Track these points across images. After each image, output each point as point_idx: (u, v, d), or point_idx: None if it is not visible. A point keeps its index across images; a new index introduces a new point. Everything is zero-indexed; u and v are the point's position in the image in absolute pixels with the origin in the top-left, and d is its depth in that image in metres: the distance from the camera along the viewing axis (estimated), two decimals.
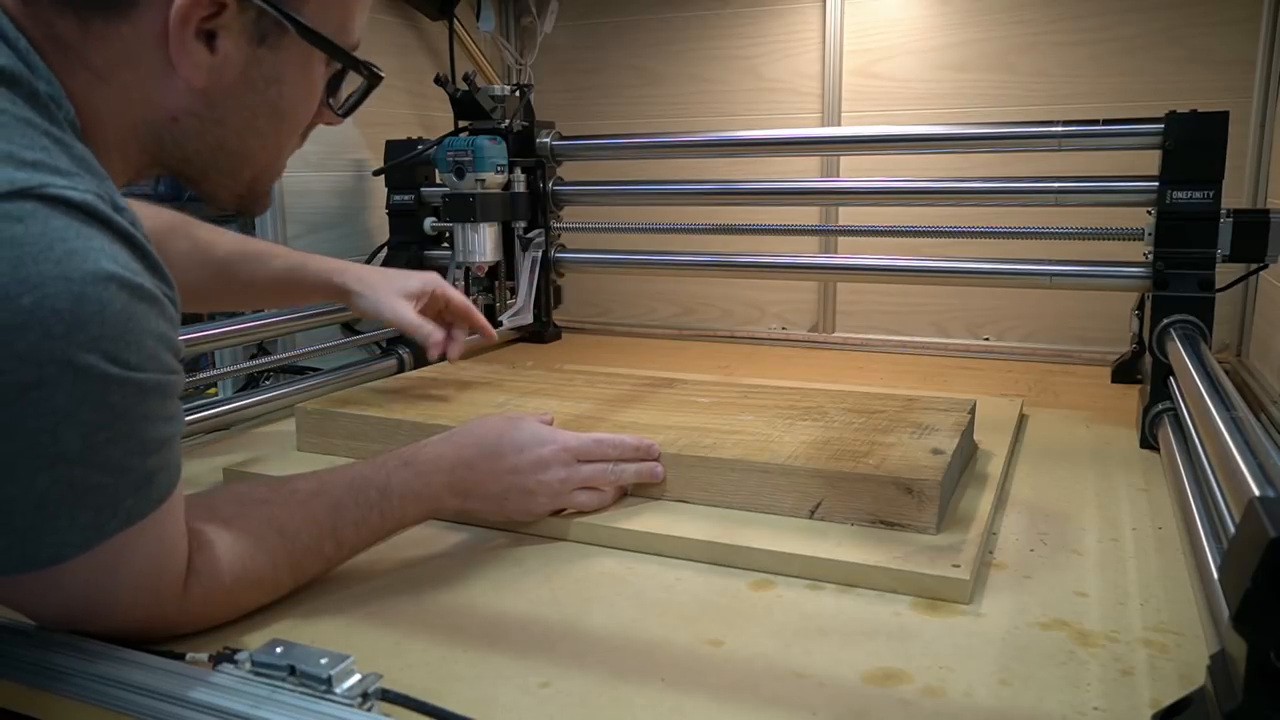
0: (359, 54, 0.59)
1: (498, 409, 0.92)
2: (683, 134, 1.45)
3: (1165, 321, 0.97)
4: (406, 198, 1.48)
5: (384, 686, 0.48)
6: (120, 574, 0.51)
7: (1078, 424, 1.06)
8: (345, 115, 0.62)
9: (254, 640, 0.51)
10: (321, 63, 0.57)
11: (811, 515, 0.74)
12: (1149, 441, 0.96)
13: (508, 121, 1.37)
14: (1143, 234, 1.09)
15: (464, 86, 1.35)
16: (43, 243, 0.44)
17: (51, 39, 0.50)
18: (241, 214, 0.60)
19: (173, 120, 0.54)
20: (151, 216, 0.81)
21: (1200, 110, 1.01)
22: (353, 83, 0.61)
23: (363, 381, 1.14)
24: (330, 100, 0.60)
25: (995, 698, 0.52)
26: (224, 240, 0.88)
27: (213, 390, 1.41)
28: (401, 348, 1.40)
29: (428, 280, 0.97)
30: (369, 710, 0.47)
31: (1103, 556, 0.71)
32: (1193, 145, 1.01)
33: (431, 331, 0.92)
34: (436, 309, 0.98)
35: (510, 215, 1.38)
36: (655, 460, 0.77)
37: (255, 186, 0.60)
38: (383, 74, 0.60)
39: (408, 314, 0.92)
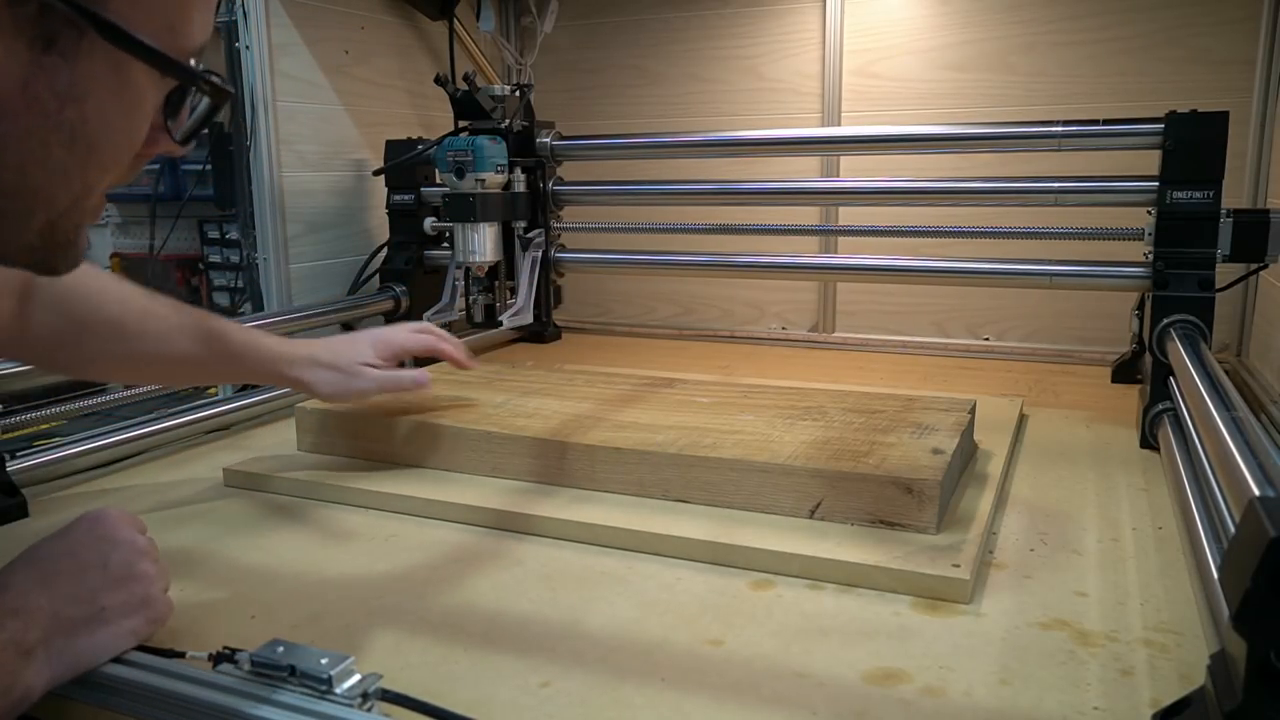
0: (197, 64, 0.44)
1: (497, 409, 0.92)
2: (683, 134, 1.45)
3: (1165, 321, 0.97)
4: (406, 198, 1.48)
5: (384, 686, 0.48)
6: None
7: (1078, 424, 1.06)
8: (185, 143, 0.47)
9: (254, 640, 0.51)
10: (147, 75, 0.42)
11: (811, 515, 0.74)
12: (1149, 441, 0.96)
13: (508, 121, 1.37)
14: (1143, 234, 1.09)
15: (464, 86, 1.35)
16: None
17: None
18: (40, 273, 0.47)
19: None
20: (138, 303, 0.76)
21: (1200, 110, 1.01)
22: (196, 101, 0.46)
23: None
24: (170, 122, 0.45)
25: (995, 698, 0.52)
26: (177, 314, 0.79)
27: (213, 390, 1.41)
28: None
29: (378, 338, 0.90)
30: (369, 710, 0.47)
31: (1103, 556, 0.71)
32: (1193, 145, 1.01)
33: (415, 376, 0.88)
34: (399, 358, 0.92)
35: (510, 215, 1.38)
36: None
37: (53, 235, 0.44)
38: (229, 87, 0.46)
39: (384, 377, 0.86)
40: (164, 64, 0.41)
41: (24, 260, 0.45)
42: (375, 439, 0.91)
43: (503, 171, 1.33)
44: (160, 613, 0.56)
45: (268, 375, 0.85)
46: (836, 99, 1.58)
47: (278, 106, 1.35)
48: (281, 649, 0.49)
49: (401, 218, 1.49)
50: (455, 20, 1.66)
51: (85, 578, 0.53)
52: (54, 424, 0.97)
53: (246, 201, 1.37)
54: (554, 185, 1.47)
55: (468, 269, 1.36)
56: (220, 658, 0.51)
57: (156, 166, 1.38)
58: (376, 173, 1.48)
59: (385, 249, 1.51)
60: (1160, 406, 0.95)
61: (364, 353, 0.88)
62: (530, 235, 1.41)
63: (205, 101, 0.46)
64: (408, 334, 0.92)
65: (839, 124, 1.58)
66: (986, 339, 1.55)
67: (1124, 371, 1.26)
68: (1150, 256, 1.05)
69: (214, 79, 0.44)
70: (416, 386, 0.88)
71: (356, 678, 0.48)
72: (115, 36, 0.39)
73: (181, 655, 0.53)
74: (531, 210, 1.43)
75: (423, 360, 0.99)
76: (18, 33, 0.37)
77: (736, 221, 1.47)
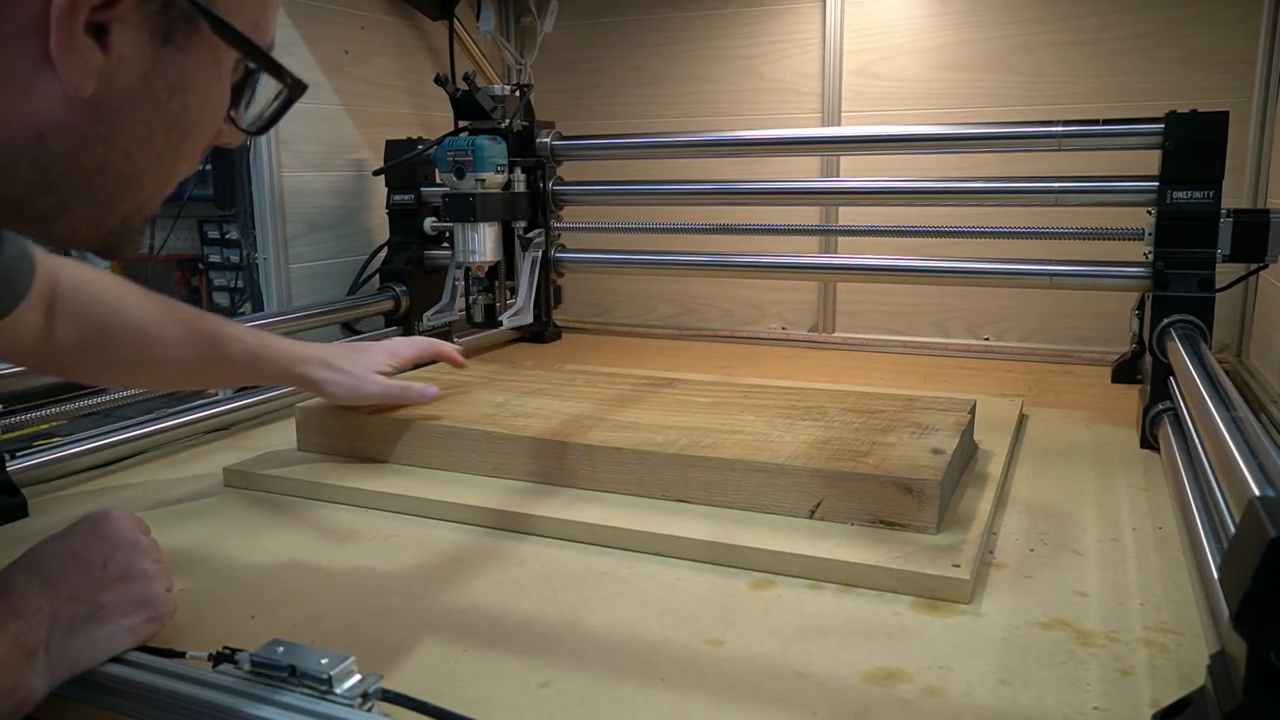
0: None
1: (497, 409, 0.92)
2: (683, 134, 1.45)
3: (1165, 321, 0.97)
4: (406, 198, 1.48)
5: (384, 686, 0.48)
6: None
7: (1078, 424, 1.06)
8: (259, 132, 0.50)
9: (254, 640, 0.51)
10: (231, 67, 0.46)
11: (811, 515, 0.74)
12: (1149, 441, 0.96)
13: (508, 121, 1.37)
14: (1143, 234, 1.09)
15: (464, 86, 1.35)
16: None
17: None
18: (105, 256, 0.50)
19: (39, 136, 0.40)
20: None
21: (1200, 110, 1.01)
22: (267, 93, 0.49)
23: None
24: (232, 112, 0.48)
25: (995, 698, 0.52)
26: (173, 316, 0.79)
27: (213, 390, 1.41)
28: None
29: (387, 348, 0.93)
30: (369, 710, 0.47)
31: (1103, 556, 0.71)
32: (1193, 145, 1.01)
33: (423, 390, 0.90)
34: (407, 366, 0.95)
35: (510, 215, 1.38)
36: None
37: (130, 222, 0.47)
38: (305, 84, 0.48)
39: (391, 385, 0.89)
40: (260, 58, 0.45)
41: (97, 245, 0.47)
42: (375, 439, 0.91)
43: (503, 171, 1.33)
44: (160, 612, 0.56)
45: (279, 374, 0.86)
46: (836, 99, 1.58)
47: None
48: (281, 649, 0.49)
49: (401, 218, 1.49)
50: (455, 20, 1.66)
51: (85, 577, 0.53)
52: (54, 424, 0.97)
53: (246, 201, 1.37)
54: (554, 185, 1.47)
55: (468, 269, 1.36)
56: (220, 658, 0.51)
57: None
58: (376, 173, 1.48)
59: (385, 249, 1.51)
60: (1160, 406, 0.95)
61: (375, 360, 0.90)
62: (530, 235, 1.41)
63: (283, 94, 0.48)
64: (411, 344, 0.96)
65: (839, 124, 1.58)
66: (986, 339, 1.55)
67: (1124, 371, 1.26)
68: (1150, 256, 1.05)
69: (293, 75, 0.47)
70: (422, 399, 0.90)
71: (356, 678, 0.48)
72: (223, 31, 0.42)
73: (181, 655, 0.53)
74: (531, 210, 1.43)
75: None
76: (142, 27, 0.40)
77: (736, 221, 1.47)
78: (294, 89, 0.48)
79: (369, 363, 0.90)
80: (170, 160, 0.46)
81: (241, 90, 0.48)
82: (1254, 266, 1.08)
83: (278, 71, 0.46)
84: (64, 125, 0.41)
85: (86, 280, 0.74)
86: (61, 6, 0.37)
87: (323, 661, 0.48)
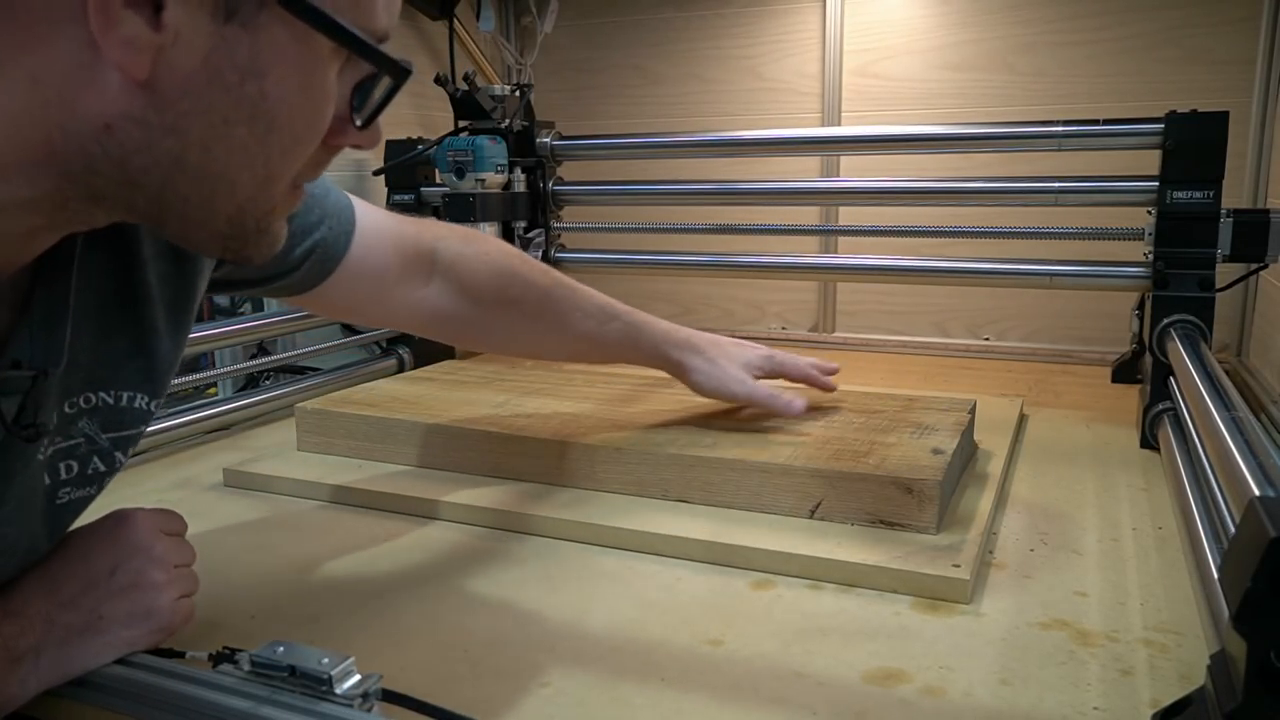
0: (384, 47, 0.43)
1: (497, 409, 0.92)
2: (683, 134, 1.45)
3: (1165, 321, 0.97)
4: (406, 198, 1.47)
5: (384, 686, 0.48)
6: None
7: (1078, 424, 1.06)
8: (365, 125, 0.46)
9: (254, 640, 0.51)
10: (332, 54, 0.41)
11: (811, 515, 0.74)
12: (1149, 441, 0.96)
13: (508, 121, 1.37)
14: (1143, 234, 1.09)
15: (464, 86, 1.35)
16: None
17: None
18: (235, 260, 0.46)
19: (105, 129, 0.38)
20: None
21: (1200, 110, 1.01)
22: (384, 82, 0.45)
23: (363, 381, 1.14)
24: (356, 113, 0.45)
25: (995, 698, 0.52)
26: (559, 289, 0.83)
27: (213, 390, 1.41)
28: (401, 347, 1.40)
29: (765, 353, 0.88)
30: (369, 710, 0.47)
31: (1103, 556, 0.71)
32: (1193, 145, 1.00)
33: (790, 401, 0.83)
34: (773, 376, 0.89)
35: (510, 215, 1.38)
36: None
37: (242, 222, 0.43)
38: (409, 67, 0.43)
39: (758, 388, 0.84)
40: (339, 33, 0.40)
41: (217, 248, 0.45)
42: (375, 439, 0.91)
43: (503, 171, 1.33)
44: (164, 624, 0.53)
45: (653, 356, 0.85)
46: (836, 99, 1.58)
47: None
48: (281, 649, 0.49)
49: None
50: (455, 20, 1.66)
51: (89, 584, 0.52)
52: None
53: None
54: (554, 185, 1.47)
55: None
56: (220, 658, 0.51)
57: None
58: (376, 173, 1.48)
59: None
60: (1160, 406, 0.95)
61: (750, 360, 0.86)
62: (530, 235, 1.41)
63: (386, 82, 0.44)
64: (794, 360, 0.90)
65: (839, 124, 1.58)
66: (986, 339, 1.55)
67: (1124, 371, 1.26)
68: (1150, 256, 1.05)
69: (393, 59, 0.42)
70: (788, 411, 0.83)
71: (356, 678, 0.48)
72: (297, 7, 0.38)
73: (181, 655, 0.53)
74: (531, 210, 1.43)
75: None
76: (200, 4, 0.37)
77: (736, 221, 1.47)
78: (389, 71, 0.43)
79: (744, 361, 0.85)
80: (261, 155, 0.41)
81: (369, 86, 0.44)
82: (1254, 266, 1.08)
83: (365, 51, 0.41)
84: (127, 115, 0.38)
85: (470, 251, 0.78)
86: None
87: (323, 661, 0.48)
